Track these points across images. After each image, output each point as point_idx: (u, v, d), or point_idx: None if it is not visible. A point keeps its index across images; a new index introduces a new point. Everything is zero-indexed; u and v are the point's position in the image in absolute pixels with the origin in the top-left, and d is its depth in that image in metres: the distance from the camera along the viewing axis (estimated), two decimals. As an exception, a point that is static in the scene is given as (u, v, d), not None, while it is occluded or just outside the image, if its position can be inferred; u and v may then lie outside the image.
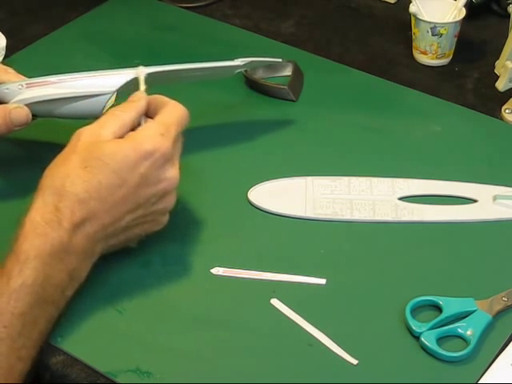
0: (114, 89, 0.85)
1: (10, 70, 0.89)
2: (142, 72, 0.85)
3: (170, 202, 0.80)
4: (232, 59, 0.95)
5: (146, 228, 0.80)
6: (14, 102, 0.85)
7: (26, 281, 0.71)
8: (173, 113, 0.80)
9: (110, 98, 0.86)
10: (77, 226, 0.74)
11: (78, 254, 0.75)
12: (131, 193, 0.77)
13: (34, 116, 0.87)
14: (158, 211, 0.80)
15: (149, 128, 0.79)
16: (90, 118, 0.83)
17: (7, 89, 0.85)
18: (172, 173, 0.79)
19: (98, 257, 0.78)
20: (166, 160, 0.78)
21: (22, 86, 0.85)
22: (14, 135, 0.88)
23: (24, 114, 0.85)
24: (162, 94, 0.83)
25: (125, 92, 0.85)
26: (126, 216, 0.77)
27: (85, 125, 0.79)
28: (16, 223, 0.74)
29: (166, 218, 0.82)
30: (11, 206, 0.88)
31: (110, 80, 0.85)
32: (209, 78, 1.00)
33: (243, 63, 0.95)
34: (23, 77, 0.88)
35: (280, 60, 1.03)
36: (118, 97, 0.86)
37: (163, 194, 0.79)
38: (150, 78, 0.86)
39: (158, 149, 0.77)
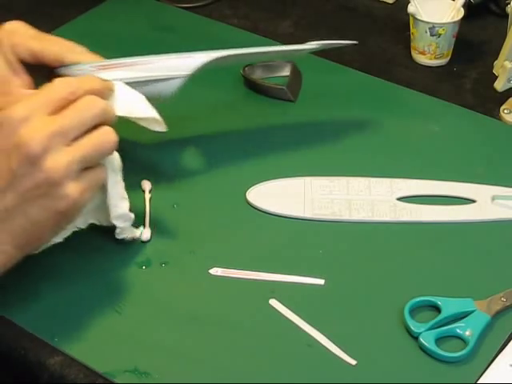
0: (189, 72, 0.84)
1: (83, 49, 0.86)
2: (211, 56, 0.85)
3: (52, 170, 0.70)
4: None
5: (44, 206, 0.72)
6: None
7: None
8: (55, 88, 0.74)
9: (183, 82, 0.84)
10: None
11: None
12: None
13: None
14: (41, 181, 0.70)
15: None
16: (159, 99, 0.83)
17: (79, 70, 0.82)
18: (26, 135, 0.70)
19: (13, 252, 0.73)
20: (15, 123, 0.70)
21: (95, 67, 0.82)
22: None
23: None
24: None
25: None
26: (3, 194, 0.71)
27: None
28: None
29: (65, 189, 0.71)
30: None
31: (184, 62, 0.84)
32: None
33: (316, 46, 0.94)
34: (97, 57, 0.85)
35: (350, 42, 1.00)
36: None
37: (31, 161, 0.70)
38: (215, 61, 0.85)
39: (5, 114, 0.71)
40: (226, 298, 0.81)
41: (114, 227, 0.83)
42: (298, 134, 1.01)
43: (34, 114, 0.71)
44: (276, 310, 0.80)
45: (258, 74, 1.08)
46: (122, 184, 0.81)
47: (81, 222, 0.82)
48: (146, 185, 0.91)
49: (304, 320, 0.78)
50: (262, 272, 0.83)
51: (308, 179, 0.93)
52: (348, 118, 1.03)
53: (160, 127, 0.82)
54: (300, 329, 0.78)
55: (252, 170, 0.95)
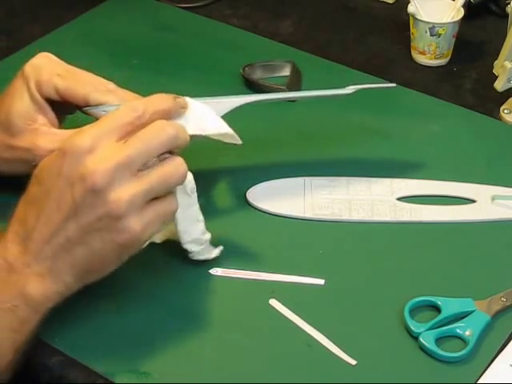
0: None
1: (111, 85, 0.83)
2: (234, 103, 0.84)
3: (115, 203, 0.69)
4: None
5: (106, 238, 0.71)
6: None
7: None
8: (118, 114, 0.73)
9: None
10: (18, 243, 0.71)
11: (24, 274, 0.71)
12: (58, 196, 0.70)
13: None
14: (104, 214, 0.70)
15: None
16: None
17: (105, 111, 0.80)
18: (92, 166, 0.69)
19: (72, 282, 0.72)
20: (81, 153, 0.69)
21: None
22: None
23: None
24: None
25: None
26: (65, 224, 0.70)
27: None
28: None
29: (127, 223, 0.70)
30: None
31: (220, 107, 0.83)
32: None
33: (352, 91, 0.91)
34: (125, 94, 0.82)
35: (390, 85, 0.97)
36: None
37: (95, 193, 0.69)
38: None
39: (71, 143, 0.70)
40: (226, 298, 0.81)
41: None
42: (298, 134, 1.01)
43: (100, 143, 0.70)
44: (276, 309, 0.80)
45: (258, 74, 1.08)
46: (196, 206, 0.78)
47: (157, 237, 0.81)
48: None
49: (304, 320, 0.78)
50: (261, 272, 0.83)
51: (308, 179, 0.93)
52: (348, 118, 1.03)
53: (234, 140, 0.82)
54: (300, 329, 0.78)
55: (252, 170, 0.95)
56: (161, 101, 0.75)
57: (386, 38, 1.19)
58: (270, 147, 0.99)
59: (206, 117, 0.80)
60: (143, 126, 0.72)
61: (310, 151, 0.98)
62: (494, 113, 1.04)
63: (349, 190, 0.92)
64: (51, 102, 0.83)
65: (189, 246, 0.80)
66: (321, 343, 0.77)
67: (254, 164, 0.96)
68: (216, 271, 0.83)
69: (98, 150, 0.69)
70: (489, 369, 0.74)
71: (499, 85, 1.08)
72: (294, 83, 1.07)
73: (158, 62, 1.13)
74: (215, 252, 0.83)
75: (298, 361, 0.75)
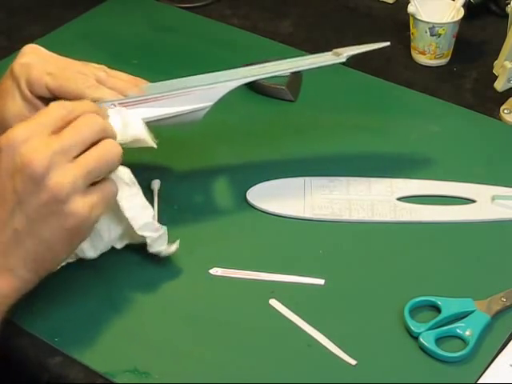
0: (212, 103, 0.83)
1: (102, 74, 0.84)
2: (232, 85, 0.83)
3: (57, 187, 0.69)
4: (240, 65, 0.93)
5: (54, 225, 0.70)
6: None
7: None
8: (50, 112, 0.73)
9: (207, 111, 0.83)
10: None
11: None
12: (0, 191, 0.70)
13: None
14: (47, 199, 0.69)
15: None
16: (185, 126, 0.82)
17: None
18: (28, 155, 0.69)
19: (27, 276, 0.72)
20: (16, 145, 0.69)
21: (115, 105, 0.81)
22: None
23: None
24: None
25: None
26: (11, 217, 0.70)
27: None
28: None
29: (72, 206, 0.70)
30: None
31: (208, 93, 0.83)
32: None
33: (345, 58, 0.89)
34: (116, 82, 0.84)
35: (384, 44, 0.95)
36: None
37: (35, 180, 0.69)
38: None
39: (5, 137, 0.70)
40: (226, 298, 0.81)
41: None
42: (298, 134, 1.01)
43: (35, 135, 0.70)
44: (276, 309, 0.80)
45: (257, 74, 1.08)
46: (140, 195, 0.79)
47: (118, 243, 0.82)
48: (156, 184, 0.91)
49: (304, 320, 0.78)
50: (261, 272, 0.83)
51: (308, 179, 0.93)
52: (348, 118, 1.03)
53: (149, 144, 0.81)
54: (300, 329, 0.78)
55: (252, 169, 0.95)
56: (87, 104, 0.76)
57: (386, 38, 1.18)
58: (270, 147, 0.99)
59: (129, 124, 0.79)
60: (73, 121, 0.73)
61: (310, 151, 0.98)
62: (494, 113, 1.04)
63: (349, 190, 0.92)
64: (44, 99, 0.83)
65: (143, 233, 0.80)
66: (321, 343, 0.77)
67: (254, 164, 0.96)
68: (216, 271, 0.83)
69: (33, 140, 0.70)
70: (489, 369, 0.74)
71: (499, 85, 1.08)
72: (294, 83, 1.07)
73: (158, 62, 1.13)
74: (173, 247, 0.82)
75: (298, 361, 0.75)
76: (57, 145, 0.70)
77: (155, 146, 0.81)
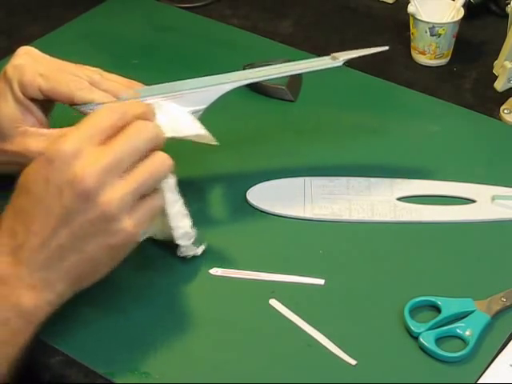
0: (205, 106, 0.83)
1: (96, 77, 0.84)
2: (223, 89, 0.83)
3: (106, 205, 0.69)
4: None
5: (99, 241, 0.70)
6: None
7: None
8: (97, 117, 0.72)
9: (200, 114, 0.83)
10: (8, 254, 0.69)
11: (16, 286, 0.69)
12: (48, 205, 0.69)
13: None
14: (96, 217, 0.69)
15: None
16: None
17: (91, 109, 0.81)
18: (79, 171, 0.68)
19: (65, 290, 0.71)
20: (67, 159, 0.68)
21: None
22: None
23: None
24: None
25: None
26: (57, 232, 0.69)
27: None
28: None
29: (120, 224, 0.70)
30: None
31: (200, 96, 0.83)
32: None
33: (342, 62, 0.89)
34: (111, 85, 0.83)
35: (382, 49, 0.94)
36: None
37: (86, 197, 0.68)
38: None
39: (55, 149, 0.69)
40: (226, 298, 0.81)
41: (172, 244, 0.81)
42: (298, 134, 1.01)
43: (85, 147, 0.69)
44: (276, 309, 0.80)
45: (257, 74, 1.08)
46: (180, 201, 0.79)
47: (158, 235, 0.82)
48: None
49: (304, 320, 0.78)
50: (262, 272, 0.83)
51: (308, 179, 0.93)
52: (348, 118, 1.03)
53: (209, 141, 0.81)
54: (300, 329, 0.78)
55: (252, 170, 0.95)
56: (136, 105, 0.75)
57: (386, 38, 1.19)
58: (270, 147, 0.99)
59: (178, 118, 0.80)
60: (123, 128, 0.72)
61: (310, 151, 0.98)
62: (494, 113, 1.04)
63: (349, 190, 0.92)
64: (38, 101, 0.83)
65: (181, 242, 0.80)
66: (321, 343, 0.77)
67: (253, 164, 0.96)
68: (216, 271, 0.83)
69: (84, 154, 0.68)
70: (489, 369, 0.74)
71: (499, 85, 1.08)
72: (294, 83, 1.07)
73: (158, 62, 1.13)
74: (201, 248, 0.83)
75: (298, 361, 0.75)
76: (109, 159, 0.69)
77: (215, 142, 0.81)
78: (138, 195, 0.71)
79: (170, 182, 0.76)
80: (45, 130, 0.83)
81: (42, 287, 0.70)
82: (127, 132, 0.71)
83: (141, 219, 0.71)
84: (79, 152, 0.68)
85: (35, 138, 0.82)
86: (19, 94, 0.82)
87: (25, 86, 0.82)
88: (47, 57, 0.85)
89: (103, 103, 0.80)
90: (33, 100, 0.83)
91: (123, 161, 0.70)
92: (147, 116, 0.74)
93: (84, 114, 0.81)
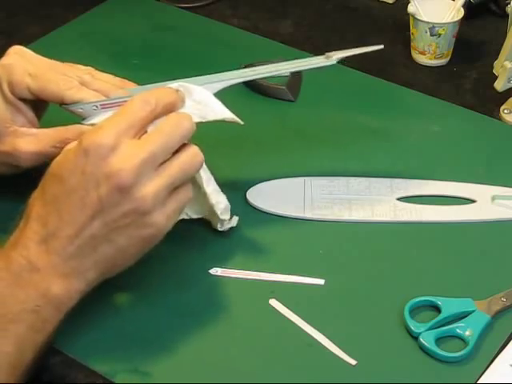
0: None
1: (87, 77, 0.83)
2: (207, 91, 0.82)
3: (141, 199, 0.70)
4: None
5: (131, 233, 0.72)
6: (88, 124, 0.81)
7: None
8: (135, 107, 0.73)
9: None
10: (40, 242, 0.70)
11: (48, 274, 0.71)
12: (83, 195, 0.70)
13: None
14: (130, 210, 0.70)
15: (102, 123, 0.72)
16: None
17: (81, 109, 0.81)
18: (117, 165, 0.69)
19: (94, 279, 0.73)
20: (105, 152, 0.69)
21: (97, 106, 0.81)
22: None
23: None
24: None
25: None
26: (91, 222, 0.70)
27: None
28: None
29: (153, 217, 0.72)
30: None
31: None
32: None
33: (336, 61, 0.89)
34: (102, 84, 0.83)
35: (377, 47, 0.94)
36: None
37: (122, 191, 0.70)
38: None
39: (93, 141, 0.70)
40: (226, 298, 0.81)
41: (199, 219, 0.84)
42: (297, 134, 1.01)
43: (122, 141, 0.70)
44: (276, 309, 0.80)
45: (257, 74, 1.08)
46: (212, 178, 0.81)
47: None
48: None
49: (304, 320, 0.78)
50: (262, 272, 0.83)
51: (308, 179, 0.93)
52: (348, 118, 1.03)
53: (236, 121, 0.82)
54: (300, 329, 0.78)
55: (252, 169, 0.95)
56: (167, 93, 0.76)
57: (386, 38, 1.19)
58: (269, 147, 0.99)
59: (205, 103, 0.80)
60: (155, 118, 0.73)
61: (310, 151, 0.98)
62: (494, 113, 1.04)
63: (349, 190, 0.92)
64: (29, 100, 0.83)
65: (224, 216, 0.84)
66: (321, 343, 0.77)
67: (253, 164, 0.96)
68: (216, 271, 0.83)
69: (121, 147, 0.70)
70: (489, 369, 0.74)
71: (499, 85, 1.08)
72: (294, 83, 1.07)
73: (158, 62, 1.13)
74: (235, 219, 0.86)
75: (298, 361, 0.75)
76: (145, 153, 0.70)
77: (242, 122, 0.82)
78: (171, 189, 0.73)
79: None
80: (35, 130, 0.83)
81: (73, 276, 0.71)
82: (164, 126, 0.73)
83: (172, 212, 0.73)
84: (116, 145, 0.70)
85: (25, 137, 0.82)
86: (9, 94, 0.82)
87: (13, 86, 0.82)
88: (38, 56, 0.85)
89: (93, 102, 0.81)
90: (23, 100, 0.83)
91: (158, 156, 0.71)
92: (177, 105, 0.76)
93: (74, 114, 0.82)
